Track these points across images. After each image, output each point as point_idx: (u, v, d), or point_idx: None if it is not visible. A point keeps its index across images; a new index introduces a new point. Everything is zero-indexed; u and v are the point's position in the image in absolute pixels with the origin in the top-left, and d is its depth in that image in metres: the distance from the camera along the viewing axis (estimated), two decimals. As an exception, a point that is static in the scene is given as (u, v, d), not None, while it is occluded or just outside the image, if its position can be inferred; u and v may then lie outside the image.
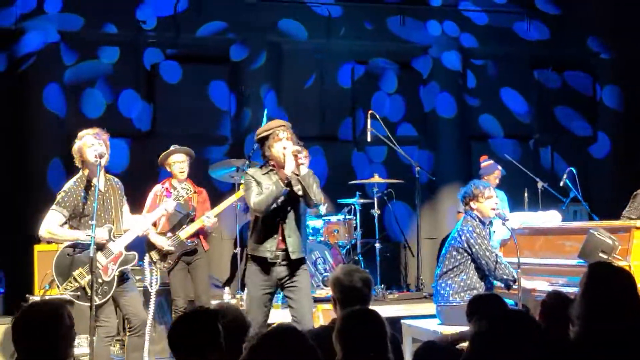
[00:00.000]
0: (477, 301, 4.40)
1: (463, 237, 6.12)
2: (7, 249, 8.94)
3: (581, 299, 3.38)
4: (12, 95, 9.30)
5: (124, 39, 9.86)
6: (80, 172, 5.87)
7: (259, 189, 5.59)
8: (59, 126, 9.37)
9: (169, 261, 7.41)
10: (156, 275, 7.50)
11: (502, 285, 6.11)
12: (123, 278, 5.95)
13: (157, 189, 7.61)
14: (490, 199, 6.23)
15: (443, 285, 6.16)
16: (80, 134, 5.88)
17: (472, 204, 6.25)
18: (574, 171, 8.45)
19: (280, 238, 5.61)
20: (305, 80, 10.51)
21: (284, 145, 5.55)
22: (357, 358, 3.04)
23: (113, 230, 5.88)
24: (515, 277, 5.93)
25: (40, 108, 9.29)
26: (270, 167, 5.67)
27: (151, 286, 7.51)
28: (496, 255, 6.07)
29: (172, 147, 7.59)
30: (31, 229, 8.86)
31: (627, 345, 3.19)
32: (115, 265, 5.85)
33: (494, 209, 6.20)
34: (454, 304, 6.05)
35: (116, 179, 6.09)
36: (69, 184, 5.84)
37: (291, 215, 5.63)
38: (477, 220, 6.19)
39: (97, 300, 5.65)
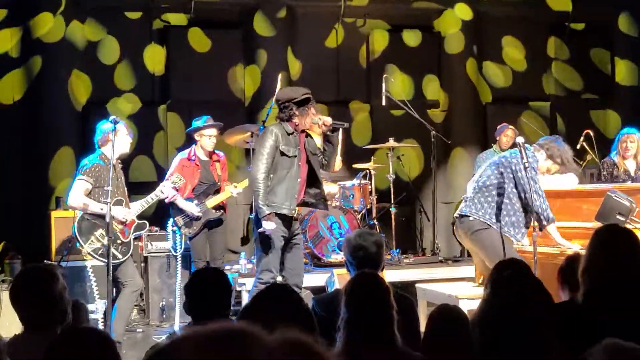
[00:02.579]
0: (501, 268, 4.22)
1: (514, 161, 5.96)
2: (23, 215, 9.01)
3: (586, 260, 3.39)
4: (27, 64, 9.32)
5: (137, 5, 9.81)
6: (101, 151, 6.43)
7: (270, 157, 6.05)
8: (72, 96, 9.39)
9: (194, 227, 7.53)
10: (180, 239, 7.65)
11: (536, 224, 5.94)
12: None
13: (183, 156, 7.70)
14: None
15: (486, 197, 5.99)
16: (117, 120, 6.28)
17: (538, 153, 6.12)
18: (591, 134, 8.38)
19: (301, 195, 6.25)
20: (320, 44, 10.44)
21: (322, 118, 6.21)
22: (359, 320, 3.03)
23: (125, 203, 6.53)
24: (550, 217, 5.84)
25: (54, 81, 9.30)
26: (293, 130, 6.18)
27: (175, 250, 7.65)
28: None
29: (207, 120, 7.68)
30: (47, 195, 9.00)
31: (630, 305, 3.19)
32: (131, 229, 6.55)
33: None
34: (489, 223, 5.92)
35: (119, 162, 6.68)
36: (93, 159, 6.43)
37: (311, 173, 6.30)
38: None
39: (121, 257, 6.35)
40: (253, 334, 1.02)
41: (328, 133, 6.28)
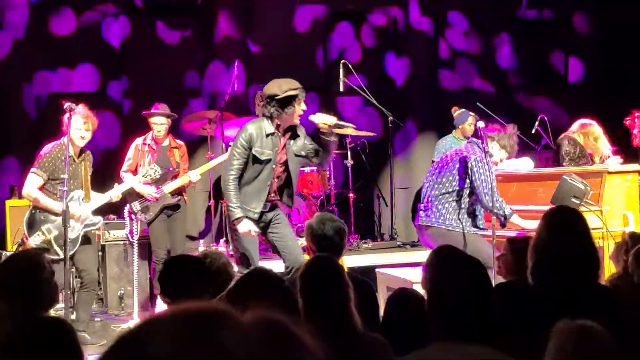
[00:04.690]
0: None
1: (468, 163, 6.03)
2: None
3: (535, 239, 3.47)
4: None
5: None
6: (62, 140, 6.26)
7: (241, 157, 5.74)
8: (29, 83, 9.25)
9: (151, 213, 7.48)
10: (137, 226, 7.55)
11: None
12: (86, 238, 6.57)
13: (138, 142, 7.66)
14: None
15: (444, 204, 6.07)
16: (72, 107, 6.03)
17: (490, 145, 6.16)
18: (546, 118, 8.49)
19: (271, 196, 5.91)
20: (277, 29, 10.38)
21: (322, 118, 5.81)
22: (315, 307, 3.05)
23: (82, 197, 6.43)
24: (507, 214, 5.94)
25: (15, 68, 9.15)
26: (275, 129, 5.79)
27: (132, 237, 7.55)
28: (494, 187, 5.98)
29: (156, 107, 7.60)
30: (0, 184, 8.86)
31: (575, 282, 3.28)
32: (81, 225, 6.41)
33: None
34: (450, 228, 6.03)
35: (88, 151, 6.59)
36: (49, 149, 6.33)
37: (285, 176, 5.95)
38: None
39: (60, 255, 6.06)
40: (226, 313, 1.02)
41: (324, 137, 5.83)
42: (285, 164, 5.91)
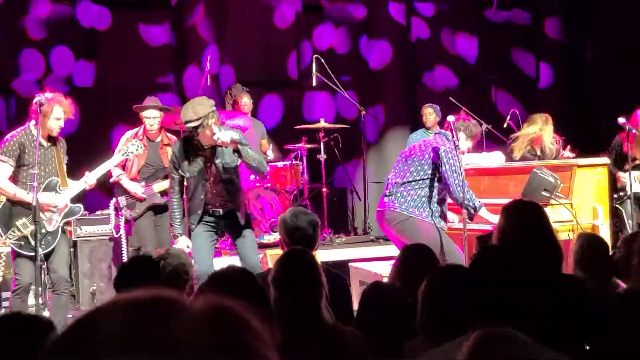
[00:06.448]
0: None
1: (439, 153, 5.99)
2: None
3: (496, 232, 3.54)
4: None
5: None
6: (29, 126, 5.86)
7: (174, 178, 5.94)
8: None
9: (137, 210, 7.24)
10: (122, 221, 7.35)
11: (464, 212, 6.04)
12: (63, 231, 6.06)
13: (129, 135, 7.29)
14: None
15: (409, 191, 6.04)
16: (50, 97, 5.76)
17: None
18: (518, 113, 8.56)
19: (211, 204, 5.93)
20: (249, 22, 10.36)
21: (219, 137, 5.55)
22: (289, 298, 3.07)
23: (59, 183, 5.92)
24: (477, 206, 5.96)
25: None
26: (194, 148, 5.83)
27: (117, 232, 7.37)
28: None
29: (147, 101, 7.34)
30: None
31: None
32: (60, 216, 5.92)
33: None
34: (413, 215, 5.98)
35: (61, 137, 6.08)
36: (12, 135, 5.87)
37: (221, 179, 5.88)
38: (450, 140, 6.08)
39: (41, 250, 5.71)
40: (174, 299, 1.01)
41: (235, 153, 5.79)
42: (220, 177, 5.87)
